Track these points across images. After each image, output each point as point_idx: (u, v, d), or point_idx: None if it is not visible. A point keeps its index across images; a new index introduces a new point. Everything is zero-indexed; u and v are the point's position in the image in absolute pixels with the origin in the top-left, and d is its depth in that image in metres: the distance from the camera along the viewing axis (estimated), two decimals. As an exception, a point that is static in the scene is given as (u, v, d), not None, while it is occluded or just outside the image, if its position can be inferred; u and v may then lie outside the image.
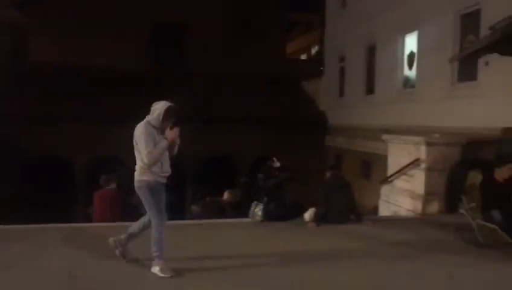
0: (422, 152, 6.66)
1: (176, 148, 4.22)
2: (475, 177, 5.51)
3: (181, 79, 15.10)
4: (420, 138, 6.74)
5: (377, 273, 4.24)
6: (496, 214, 4.90)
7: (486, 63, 7.72)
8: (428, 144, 6.58)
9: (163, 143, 4.01)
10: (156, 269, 4.05)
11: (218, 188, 7.27)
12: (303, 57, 26.44)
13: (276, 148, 13.97)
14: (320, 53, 18.84)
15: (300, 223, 5.98)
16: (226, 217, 6.51)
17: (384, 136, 8.06)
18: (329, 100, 16.94)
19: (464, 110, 9.79)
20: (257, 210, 6.07)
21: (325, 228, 5.80)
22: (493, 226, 4.86)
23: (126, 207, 6.23)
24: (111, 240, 4.37)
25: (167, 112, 4.01)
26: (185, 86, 14.39)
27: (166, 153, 4.10)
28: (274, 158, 5.85)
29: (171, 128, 4.08)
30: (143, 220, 4.28)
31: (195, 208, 6.83)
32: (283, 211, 6.04)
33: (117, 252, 4.34)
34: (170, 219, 6.29)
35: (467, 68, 10.32)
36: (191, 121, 14.15)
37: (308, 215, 6.06)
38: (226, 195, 7.08)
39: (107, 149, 13.75)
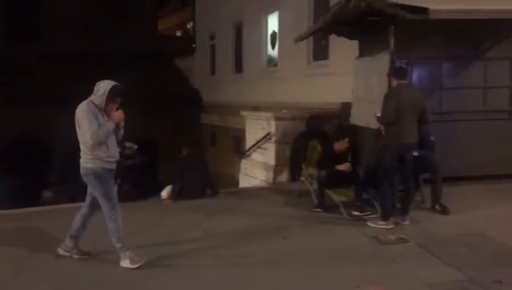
0: (272, 127, 7.19)
1: (122, 132, 3.99)
2: (314, 147, 6.15)
3: (38, 59, 13.85)
4: (270, 113, 7.25)
5: (221, 239, 4.59)
6: (324, 173, 5.49)
7: (323, 42, 8.46)
8: (277, 119, 7.13)
9: (109, 124, 3.77)
10: (125, 263, 3.81)
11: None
12: (179, 33, 26.04)
13: (151, 128, 13.81)
14: (192, 30, 18.78)
15: (157, 202, 6.09)
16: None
17: (242, 113, 8.48)
18: (202, 78, 17.07)
19: (319, 87, 10.70)
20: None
21: (180, 204, 5.98)
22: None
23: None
24: (60, 251, 4.08)
25: (112, 92, 3.75)
26: (43, 66, 13.26)
27: (113, 137, 3.86)
28: (127, 142, 5.80)
29: (117, 109, 3.84)
30: (82, 211, 4.06)
31: (46, 193, 6.48)
32: (138, 191, 6.07)
33: (75, 255, 4.05)
34: (17, 206, 6.02)
35: (320, 48, 11.23)
36: (55, 103, 13.29)
37: (165, 193, 6.19)
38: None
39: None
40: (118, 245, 3.85)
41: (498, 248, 4.24)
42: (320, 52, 11.20)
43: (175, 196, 6.10)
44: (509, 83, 6.49)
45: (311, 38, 10.79)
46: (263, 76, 13.07)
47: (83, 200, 4.13)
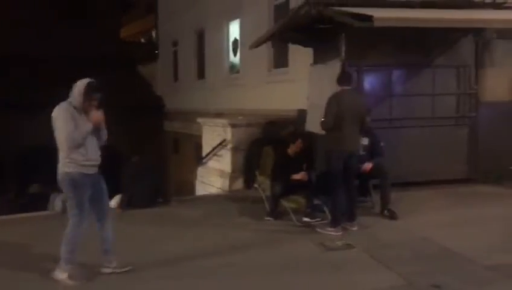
0: (228, 133, 7.14)
1: (105, 134, 3.71)
2: (268, 153, 6.12)
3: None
4: (225, 120, 7.20)
5: (172, 244, 4.50)
6: (279, 184, 5.47)
7: (273, 46, 8.48)
8: (233, 126, 7.08)
9: (87, 126, 3.51)
10: (61, 275, 3.55)
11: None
12: (143, 40, 25.71)
13: (113, 136, 13.37)
14: (156, 37, 18.58)
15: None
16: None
17: (199, 120, 8.39)
18: (165, 85, 16.88)
19: (278, 94, 10.74)
20: (57, 201, 5.80)
21: (130, 213, 5.81)
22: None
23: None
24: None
25: (87, 89, 3.49)
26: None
27: (93, 140, 3.59)
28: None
29: (97, 108, 3.58)
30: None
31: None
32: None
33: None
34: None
35: (281, 55, 11.30)
36: (7, 109, 12.77)
37: (114, 201, 5.99)
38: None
39: None
40: (65, 255, 3.60)
41: (441, 252, 4.30)
42: (281, 60, 11.27)
43: (124, 205, 5.92)
44: (456, 90, 6.69)
45: (270, 46, 10.86)
46: (225, 83, 13.04)
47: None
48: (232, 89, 12.79)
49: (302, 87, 9.57)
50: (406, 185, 6.24)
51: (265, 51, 11.26)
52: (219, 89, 13.10)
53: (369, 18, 4.89)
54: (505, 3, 6.48)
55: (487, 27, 6.32)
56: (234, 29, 12.91)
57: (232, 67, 13.10)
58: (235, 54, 13.14)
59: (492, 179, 6.47)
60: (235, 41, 12.97)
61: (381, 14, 5.00)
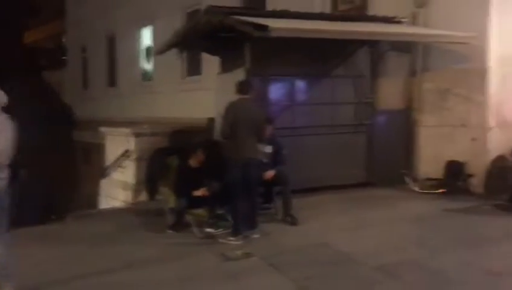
0: (131, 143, 6.85)
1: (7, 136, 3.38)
2: (172, 164, 5.93)
3: None
4: (128, 129, 6.91)
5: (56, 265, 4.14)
6: (183, 200, 5.32)
7: (180, 56, 8.41)
8: (137, 135, 6.81)
9: None
10: None
11: None
12: (51, 45, 24.10)
13: (19, 148, 12.22)
14: (64, 42, 17.53)
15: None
16: None
17: (102, 129, 7.98)
18: (74, 92, 15.95)
19: (191, 102, 10.61)
20: None
21: (15, 232, 5.28)
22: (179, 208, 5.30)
23: None
24: None
25: None
26: None
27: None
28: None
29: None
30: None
31: None
32: None
33: None
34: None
35: (194, 63, 11.20)
36: None
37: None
38: None
39: None
40: (4, 272, 3.41)
41: (336, 256, 4.43)
42: (194, 68, 11.18)
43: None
44: (354, 99, 7.04)
45: (184, 54, 10.70)
46: (138, 90, 12.64)
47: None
48: (145, 96, 12.43)
49: (212, 95, 9.56)
50: (309, 191, 6.41)
51: (179, 58, 11.08)
52: (131, 97, 12.66)
53: (264, 28, 4.96)
54: (395, 17, 6.96)
55: (380, 39, 6.75)
56: (147, 36, 12.60)
57: (145, 75, 12.75)
58: (148, 61, 12.82)
59: (388, 183, 6.87)
60: (149, 48, 12.65)
61: (277, 25, 5.10)
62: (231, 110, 4.66)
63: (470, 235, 4.93)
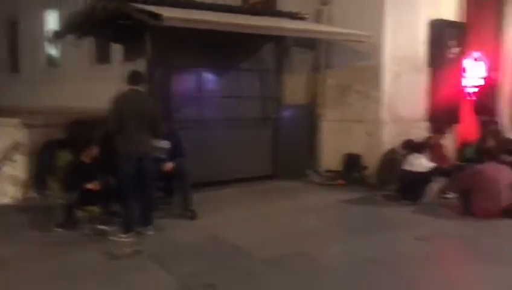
0: (22, 135, 6.33)
1: None
2: (63, 158, 5.58)
3: None
4: (17, 120, 6.38)
5: None
6: (73, 194, 5.00)
7: (75, 43, 7.95)
8: (28, 126, 6.31)
9: None
10: None
11: None
12: None
13: None
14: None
15: None
16: None
17: (-12, 119, 7.29)
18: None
19: (100, 91, 10.04)
20: None
21: None
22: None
23: None
24: None
25: None
26: None
27: None
28: None
29: None
30: None
31: None
32: None
33: None
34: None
35: (103, 51, 10.64)
36: None
37: None
38: None
39: None
40: None
41: (228, 249, 4.43)
42: (103, 56, 10.65)
43: None
44: (261, 93, 7.10)
45: (92, 40, 10.15)
46: (44, 77, 11.78)
47: None
48: (51, 84, 11.62)
49: (122, 86, 9.16)
50: (215, 184, 6.38)
51: (87, 45, 10.50)
52: (34, 84, 11.75)
53: (158, 16, 4.79)
54: (298, 13, 7.09)
55: (284, 35, 6.85)
56: (53, 20, 11.76)
57: (52, 61, 11.90)
58: (55, 47, 11.98)
59: (292, 175, 7.04)
60: (57, 33, 11.79)
61: (172, 14, 4.94)
62: (116, 102, 4.43)
63: (358, 225, 5.21)
